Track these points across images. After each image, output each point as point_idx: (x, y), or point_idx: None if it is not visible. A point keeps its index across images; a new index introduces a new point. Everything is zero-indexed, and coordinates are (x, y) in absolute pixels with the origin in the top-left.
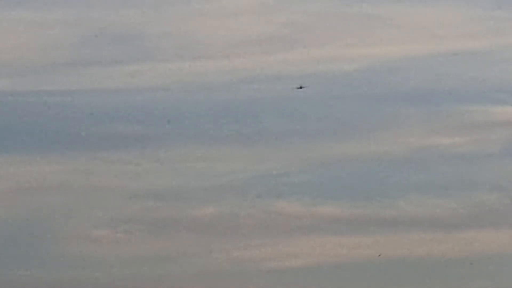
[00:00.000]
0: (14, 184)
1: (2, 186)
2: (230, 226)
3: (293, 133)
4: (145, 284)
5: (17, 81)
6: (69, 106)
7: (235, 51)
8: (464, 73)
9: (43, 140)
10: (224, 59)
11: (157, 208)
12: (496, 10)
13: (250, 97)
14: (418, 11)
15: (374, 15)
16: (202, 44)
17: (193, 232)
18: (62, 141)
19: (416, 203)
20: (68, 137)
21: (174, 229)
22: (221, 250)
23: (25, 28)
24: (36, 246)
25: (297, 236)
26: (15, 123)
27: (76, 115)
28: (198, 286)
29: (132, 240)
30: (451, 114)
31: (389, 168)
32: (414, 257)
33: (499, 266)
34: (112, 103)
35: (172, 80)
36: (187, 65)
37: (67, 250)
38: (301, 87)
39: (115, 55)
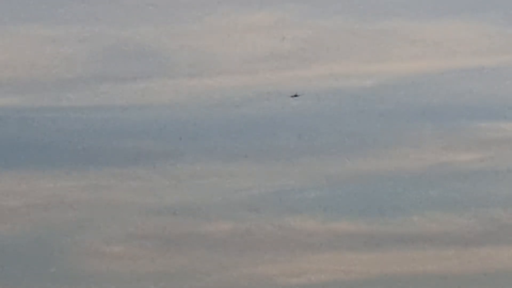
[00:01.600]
0: (28, 200)
1: (16, 202)
2: (244, 242)
3: (308, 149)
4: None
5: (30, 97)
6: (83, 122)
7: (250, 67)
8: (478, 90)
9: (57, 156)
10: (239, 75)
11: (171, 224)
12: (509, 27)
13: (265, 113)
14: (432, 27)
15: (389, 31)
16: (216, 60)
17: (207, 248)
18: (76, 157)
19: (431, 219)
20: (81, 153)
21: (189, 245)
22: (236, 266)
23: (38, 44)
24: (50, 262)
25: (311, 252)
26: (28, 139)
27: (89, 131)
28: None
29: (146, 256)
30: (465, 131)
31: (403, 184)
32: (429, 273)
33: None
34: (125, 119)
35: (186, 96)
36: (201, 81)
37: (81, 266)
38: (296, 96)
39: (128, 71)
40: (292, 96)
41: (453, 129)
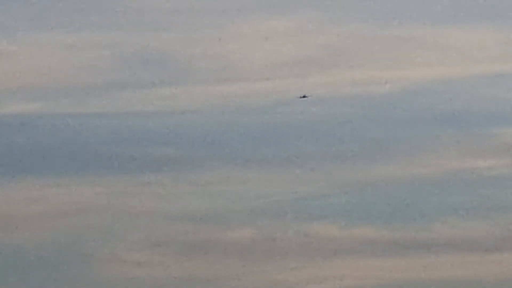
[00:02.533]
0: (51, 207)
1: (39, 209)
2: (266, 249)
3: (329, 155)
4: None
5: (53, 103)
6: (105, 129)
7: (270, 73)
8: (499, 96)
9: (79, 163)
10: (259, 82)
11: (193, 230)
12: None
13: (286, 119)
14: (452, 33)
15: (409, 37)
16: (237, 66)
17: (229, 254)
18: (98, 164)
19: (453, 226)
20: (106, 160)
21: (210, 252)
22: (258, 273)
23: (61, 50)
24: (73, 269)
25: (333, 259)
26: (52, 146)
27: (111, 138)
28: None
29: (167, 263)
30: (485, 137)
31: (425, 190)
32: (451, 279)
33: None
34: (147, 126)
35: (207, 103)
36: (222, 87)
37: (104, 272)
38: (304, 96)
39: (150, 78)
40: (300, 97)
41: (473, 135)
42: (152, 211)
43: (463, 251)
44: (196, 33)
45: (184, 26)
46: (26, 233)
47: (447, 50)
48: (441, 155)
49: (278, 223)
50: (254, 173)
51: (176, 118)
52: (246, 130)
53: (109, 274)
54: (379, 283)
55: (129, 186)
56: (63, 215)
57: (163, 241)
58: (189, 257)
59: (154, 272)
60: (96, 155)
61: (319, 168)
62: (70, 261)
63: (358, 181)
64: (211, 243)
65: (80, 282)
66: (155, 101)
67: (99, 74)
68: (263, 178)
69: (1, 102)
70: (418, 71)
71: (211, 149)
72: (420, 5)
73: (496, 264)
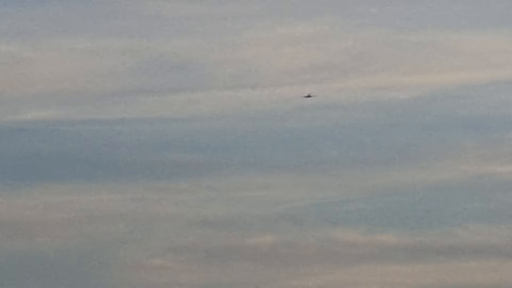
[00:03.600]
0: (71, 213)
1: (60, 216)
2: (286, 255)
3: (350, 161)
4: None
5: (72, 110)
6: (126, 134)
7: (290, 79)
8: None
9: (100, 169)
10: (279, 88)
11: (215, 236)
12: None
13: (307, 125)
14: (473, 39)
15: (429, 42)
16: (257, 72)
17: (251, 260)
18: (119, 170)
19: (474, 231)
20: (126, 166)
21: (232, 258)
22: (279, 279)
23: (79, 57)
24: (93, 274)
25: (355, 264)
26: (72, 152)
27: (132, 144)
28: None
29: (190, 269)
30: (506, 142)
31: (446, 196)
32: (472, 285)
33: None
34: (168, 132)
35: (227, 109)
36: (243, 93)
37: (126, 278)
38: (309, 96)
39: (170, 84)
40: (305, 97)
41: (494, 140)
42: (173, 217)
43: (484, 256)
44: (216, 38)
45: (204, 32)
46: (47, 239)
47: (468, 56)
48: (462, 160)
49: (298, 229)
50: (274, 179)
51: (196, 124)
52: (267, 136)
53: (130, 279)
54: None
55: (150, 192)
56: (84, 221)
57: (183, 247)
58: (209, 263)
59: (175, 278)
60: (116, 161)
61: (340, 173)
62: (91, 266)
63: (379, 186)
64: (232, 249)
65: (101, 287)
66: (174, 107)
67: (119, 80)
68: (283, 184)
69: (21, 108)
70: (439, 77)
71: (231, 155)
72: (441, 11)
73: None
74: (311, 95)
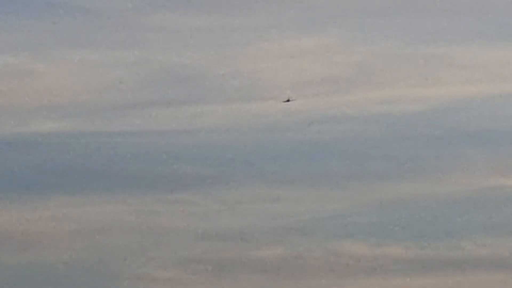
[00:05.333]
0: (79, 226)
1: (70, 227)
2: (295, 267)
3: (357, 174)
4: None
5: (82, 122)
6: (133, 147)
7: (299, 92)
8: None
9: (108, 181)
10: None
11: (223, 249)
12: None
13: (314, 138)
14: (480, 51)
15: (436, 55)
16: (265, 85)
17: (259, 273)
18: (128, 182)
19: (481, 244)
20: (131, 178)
21: (240, 270)
22: None
23: (88, 69)
24: (104, 286)
25: (363, 277)
26: (79, 164)
27: (140, 156)
28: None
29: (197, 281)
30: None
31: (453, 209)
32: None
33: None
34: (176, 144)
35: (235, 121)
36: (251, 105)
37: None
38: (288, 100)
39: (177, 96)
40: (284, 101)
41: (502, 154)
42: (182, 229)
43: (492, 269)
44: (224, 51)
45: (212, 44)
46: (55, 251)
47: (475, 69)
48: (470, 173)
49: (307, 241)
50: (283, 191)
51: (204, 136)
52: (275, 148)
53: None
54: None
55: (158, 204)
56: (92, 233)
57: (192, 259)
58: (218, 275)
59: None
60: (125, 173)
61: (348, 186)
62: (100, 278)
63: (387, 199)
64: (241, 261)
65: None
66: (183, 119)
67: (127, 92)
68: (292, 196)
69: (29, 120)
70: (447, 90)
71: (240, 167)
72: (449, 24)
73: None
74: (290, 99)
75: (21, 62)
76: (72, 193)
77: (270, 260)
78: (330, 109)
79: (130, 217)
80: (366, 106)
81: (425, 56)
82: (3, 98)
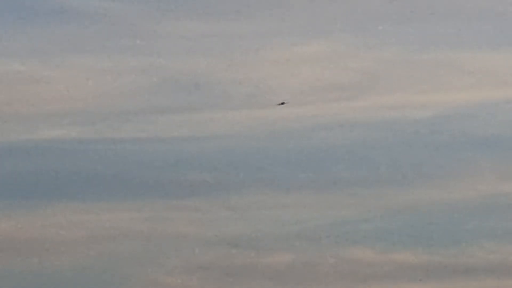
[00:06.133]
0: (88, 232)
1: (76, 235)
2: (304, 274)
3: (365, 180)
4: None
5: (89, 129)
6: (141, 154)
7: (306, 98)
8: None
9: (115, 188)
10: (294, 107)
11: (231, 256)
12: None
13: (322, 144)
14: (490, 58)
15: (445, 61)
16: (272, 91)
17: (267, 280)
18: (135, 189)
19: (490, 250)
20: (140, 185)
21: (248, 277)
22: None
23: (95, 75)
24: None
25: (371, 284)
26: (88, 171)
27: (148, 163)
28: None
29: (206, 287)
30: None
31: (462, 215)
32: None
33: None
34: (184, 151)
35: (243, 128)
36: (257, 112)
37: None
38: (282, 103)
39: (185, 103)
40: (278, 104)
41: (510, 159)
42: (189, 236)
43: (501, 276)
44: (232, 57)
45: (219, 51)
46: (63, 258)
47: (484, 75)
48: (478, 179)
49: (315, 248)
50: (291, 198)
51: (212, 143)
52: (283, 155)
53: None
54: None
55: (166, 211)
56: (100, 240)
57: (201, 266)
58: (226, 282)
59: None
60: (132, 180)
61: (357, 192)
62: (108, 285)
63: (395, 205)
64: (249, 268)
65: None
66: (191, 126)
67: (135, 99)
68: (300, 202)
69: (36, 127)
70: (454, 96)
71: (248, 174)
72: (456, 29)
73: None
74: (284, 102)
75: (29, 69)
76: (80, 200)
77: (278, 267)
78: (339, 115)
79: (139, 224)
80: (375, 112)
81: (433, 62)
82: (12, 105)
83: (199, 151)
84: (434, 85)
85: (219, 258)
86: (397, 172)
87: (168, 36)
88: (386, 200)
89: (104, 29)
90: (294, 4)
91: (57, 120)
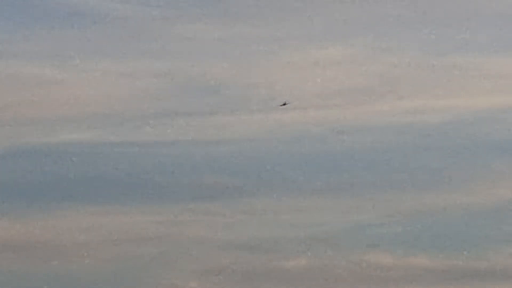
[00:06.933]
0: (107, 235)
1: (95, 237)
2: (321, 278)
3: (383, 184)
4: None
5: (107, 132)
6: (158, 157)
7: (323, 102)
8: None
9: (132, 191)
10: (313, 110)
11: (248, 259)
12: None
13: (340, 148)
14: (506, 62)
15: (463, 66)
16: (291, 95)
17: (285, 283)
18: (151, 192)
19: (508, 254)
20: (157, 188)
21: (265, 280)
22: None
23: (114, 79)
24: None
25: (388, 287)
26: (105, 174)
27: (164, 166)
28: None
29: None
30: None
31: (479, 219)
32: None
33: None
34: (201, 154)
35: (260, 132)
36: (275, 116)
37: None
38: (284, 104)
39: (202, 107)
40: (281, 105)
41: None
42: (207, 240)
43: None
44: (248, 61)
45: (237, 55)
46: (79, 261)
47: (501, 79)
48: (495, 183)
49: (332, 251)
50: (308, 201)
51: (230, 146)
52: (300, 158)
53: None
54: None
55: (183, 214)
56: (117, 244)
57: (218, 270)
58: (244, 286)
59: None
60: (150, 183)
61: (374, 196)
62: None
63: (412, 209)
64: (266, 272)
65: None
66: (208, 129)
67: (153, 103)
68: (317, 206)
69: (55, 130)
70: (471, 100)
71: (265, 177)
72: (474, 34)
73: None
74: (286, 102)
75: (47, 72)
76: (98, 203)
77: (295, 271)
78: (356, 120)
79: (156, 227)
80: (392, 116)
81: (451, 66)
82: (30, 108)
83: (216, 154)
84: (452, 90)
85: (236, 262)
86: (414, 176)
87: (185, 40)
88: (404, 204)
89: (122, 33)
90: (312, 9)
91: (75, 123)
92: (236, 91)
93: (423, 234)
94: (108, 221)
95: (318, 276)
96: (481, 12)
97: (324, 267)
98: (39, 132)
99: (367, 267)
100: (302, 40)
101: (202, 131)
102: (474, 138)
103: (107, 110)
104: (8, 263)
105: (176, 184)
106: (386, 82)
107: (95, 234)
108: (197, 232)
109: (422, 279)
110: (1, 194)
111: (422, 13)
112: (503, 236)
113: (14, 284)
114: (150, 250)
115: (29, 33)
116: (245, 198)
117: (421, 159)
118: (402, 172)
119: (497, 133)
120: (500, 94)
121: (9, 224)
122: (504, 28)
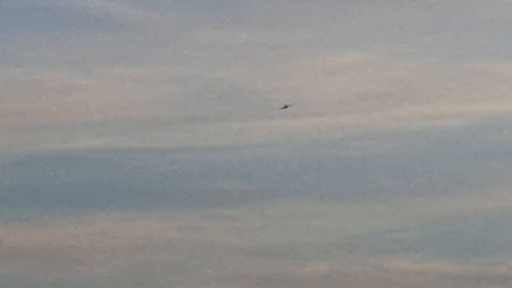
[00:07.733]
0: (123, 242)
1: (111, 244)
2: (340, 283)
3: (402, 189)
4: None
5: (126, 137)
6: (178, 163)
7: (342, 107)
8: None
9: (151, 197)
10: (331, 116)
11: (266, 264)
12: None
13: (359, 153)
14: None
15: (480, 71)
16: (308, 100)
17: None
18: (170, 198)
19: None
20: (177, 194)
21: (284, 286)
22: None
23: (131, 85)
24: None
25: None
26: (124, 180)
27: (183, 172)
28: None
29: None
30: None
31: (499, 224)
32: None
33: None
34: (220, 160)
35: (278, 137)
36: (293, 121)
37: None
38: (286, 107)
39: (220, 112)
40: (282, 108)
41: None
42: (226, 245)
43: None
44: (268, 67)
45: (255, 61)
46: (99, 267)
47: None
48: None
49: (352, 257)
50: (328, 207)
51: (249, 152)
52: (320, 164)
53: None
54: None
55: (202, 220)
56: (137, 250)
57: (238, 275)
58: None
59: None
60: (169, 189)
61: (393, 202)
62: None
63: (432, 215)
64: (286, 277)
65: None
66: (227, 135)
67: (172, 108)
68: (337, 212)
69: (73, 136)
70: (491, 105)
71: (285, 183)
72: (492, 39)
73: None
74: (288, 105)
75: (65, 77)
76: (117, 209)
77: (315, 276)
78: (374, 125)
79: (174, 233)
80: (410, 121)
81: (468, 71)
82: (48, 114)
83: (235, 160)
84: (469, 95)
85: (255, 267)
86: (433, 181)
87: (203, 46)
88: (423, 209)
89: (140, 39)
90: (331, 15)
91: (93, 129)
92: (255, 97)
93: (443, 240)
94: (126, 227)
95: (337, 282)
96: (499, 18)
97: (343, 272)
98: (58, 138)
99: (386, 273)
100: (319, 46)
101: (222, 137)
102: (492, 143)
103: (125, 116)
104: (28, 269)
105: (194, 190)
106: (404, 88)
107: (113, 240)
108: (216, 238)
109: (442, 284)
110: (20, 200)
111: (440, 19)
112: None
113: None
114: (168, 255)
115: (46, 39)
116: (263, 203)
117: (439, 165)
118: (421, 177)
119: None
120: None
121: (29, 230)
122: None
